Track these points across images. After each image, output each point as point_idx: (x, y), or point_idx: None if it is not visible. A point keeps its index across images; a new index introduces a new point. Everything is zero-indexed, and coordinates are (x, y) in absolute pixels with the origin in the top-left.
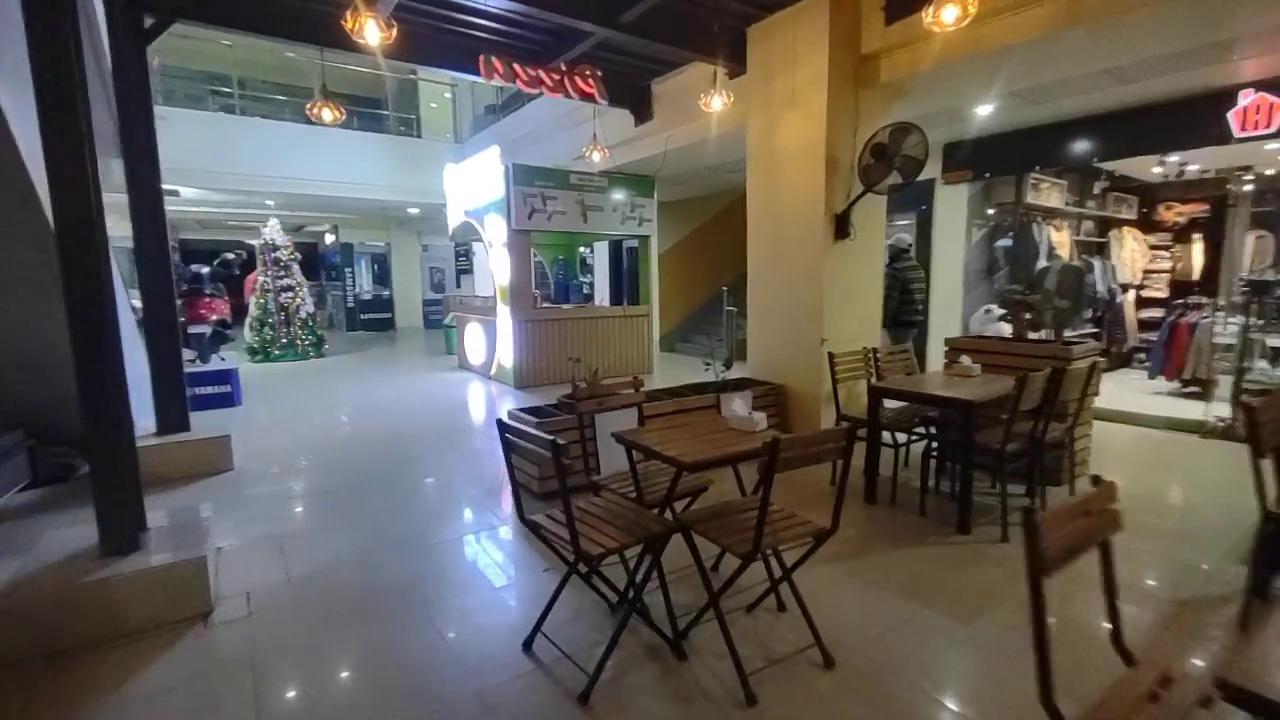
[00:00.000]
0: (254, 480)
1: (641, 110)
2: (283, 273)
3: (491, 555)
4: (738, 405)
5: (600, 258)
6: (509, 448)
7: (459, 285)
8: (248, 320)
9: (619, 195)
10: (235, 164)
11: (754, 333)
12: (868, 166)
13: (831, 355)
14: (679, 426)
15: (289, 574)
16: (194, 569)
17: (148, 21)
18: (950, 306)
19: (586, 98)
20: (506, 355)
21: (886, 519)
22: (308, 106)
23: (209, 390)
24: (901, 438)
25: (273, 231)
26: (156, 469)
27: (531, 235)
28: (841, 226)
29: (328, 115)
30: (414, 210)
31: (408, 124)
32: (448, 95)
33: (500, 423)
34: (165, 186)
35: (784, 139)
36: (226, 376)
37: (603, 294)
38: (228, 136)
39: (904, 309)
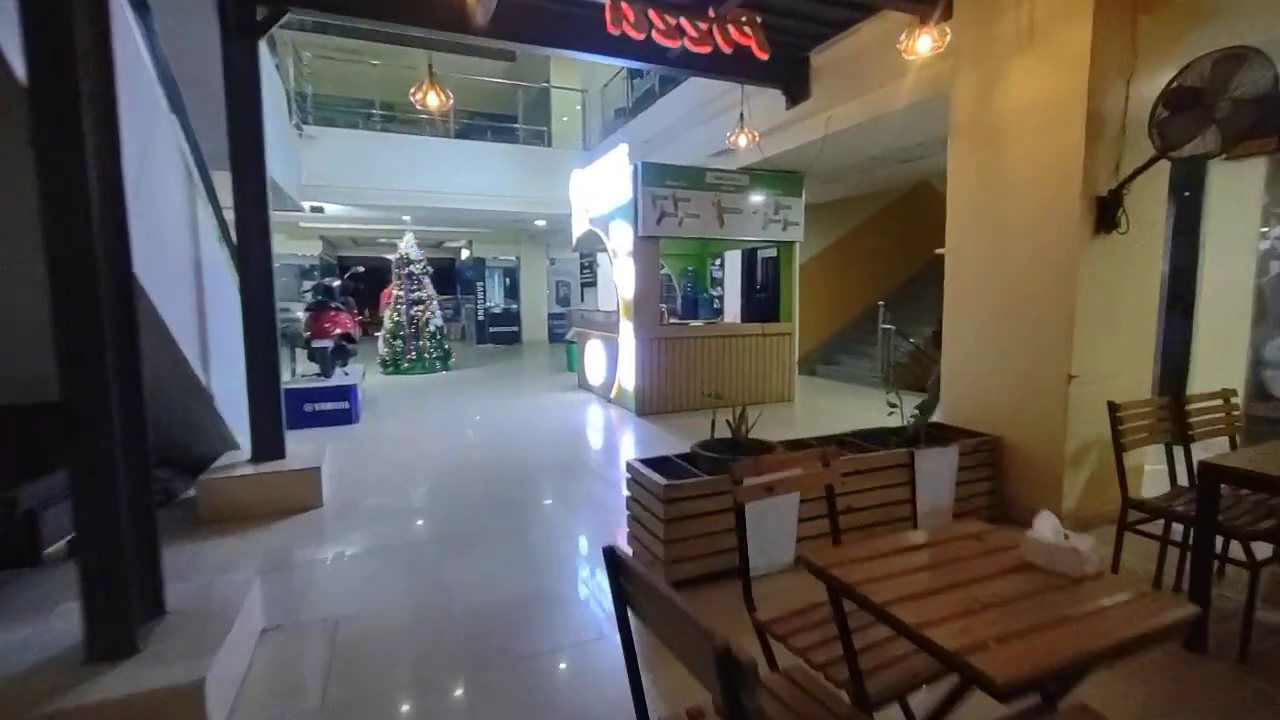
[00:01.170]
0: (336, 524)
1: (797, 88)
2: (415, 286)
3: (588, 695)
4: (1044, 523)
5: (730, 268)
6: (625, 601)
7: (582, 299)
8: (381, 333)
9: (761, 195)
10: (373, 179)
11: (954, 362)
12: (1164, 122)
13: (1115, 406)
14: (912, 548)
15: (325, 697)
16: (188, 700)
17: (260, 13)
18: (1230, 332)
19: (740, 52)
20: (628, 377)
21: (1236, 693)
22: (411, 91)
23: (327, 407)
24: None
25: (407, 246)
26: (238, 503)
27: (659, 243)
28: (1107, 214)
29: (433, 100)
30: (541, 223)
31: (539, 136)
32: (578, 107)
33: (610, 557)
34: (310, 204)
35: (1014, 96)
36: (345, 393)
37: (733, 309)
38: (367, 153)
39: None
